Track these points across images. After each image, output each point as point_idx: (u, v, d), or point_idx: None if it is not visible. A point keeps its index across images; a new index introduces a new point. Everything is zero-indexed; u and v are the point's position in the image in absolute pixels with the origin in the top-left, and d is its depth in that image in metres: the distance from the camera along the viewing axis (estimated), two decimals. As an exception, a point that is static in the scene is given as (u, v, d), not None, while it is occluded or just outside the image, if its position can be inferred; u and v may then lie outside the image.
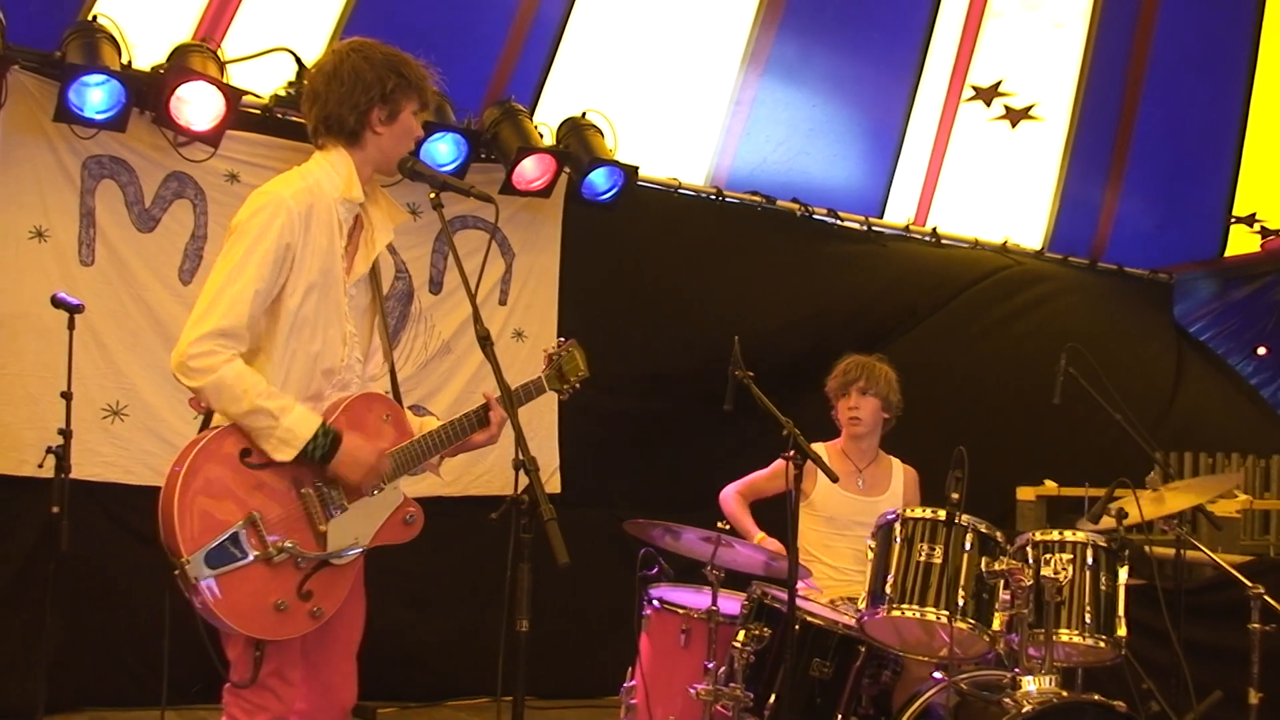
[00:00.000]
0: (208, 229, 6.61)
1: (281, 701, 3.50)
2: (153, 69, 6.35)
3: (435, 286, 7.27)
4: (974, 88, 9.27)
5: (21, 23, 6.12)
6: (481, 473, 7.03)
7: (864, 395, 5.63)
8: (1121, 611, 4.43)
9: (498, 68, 7.72)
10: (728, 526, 4.76)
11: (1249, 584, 4.84)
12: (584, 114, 7.52)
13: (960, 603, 4.28)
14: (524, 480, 3.18)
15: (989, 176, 9.58)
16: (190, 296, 6.40)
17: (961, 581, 4.30)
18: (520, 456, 3.25)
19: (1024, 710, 4.06)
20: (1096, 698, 4.21)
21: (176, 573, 3.31)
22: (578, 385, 4.16)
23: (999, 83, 9.29)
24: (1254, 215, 10.10)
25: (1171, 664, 4.87)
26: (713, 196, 8.37)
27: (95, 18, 6.31)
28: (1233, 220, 10.20)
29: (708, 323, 7.78)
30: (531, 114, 7.56)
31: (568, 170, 7.41)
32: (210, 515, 3.33)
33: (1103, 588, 4.43)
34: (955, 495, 4.29)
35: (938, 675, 4.48)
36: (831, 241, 8.78)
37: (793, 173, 8.78)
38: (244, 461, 3.41)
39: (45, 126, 6.20)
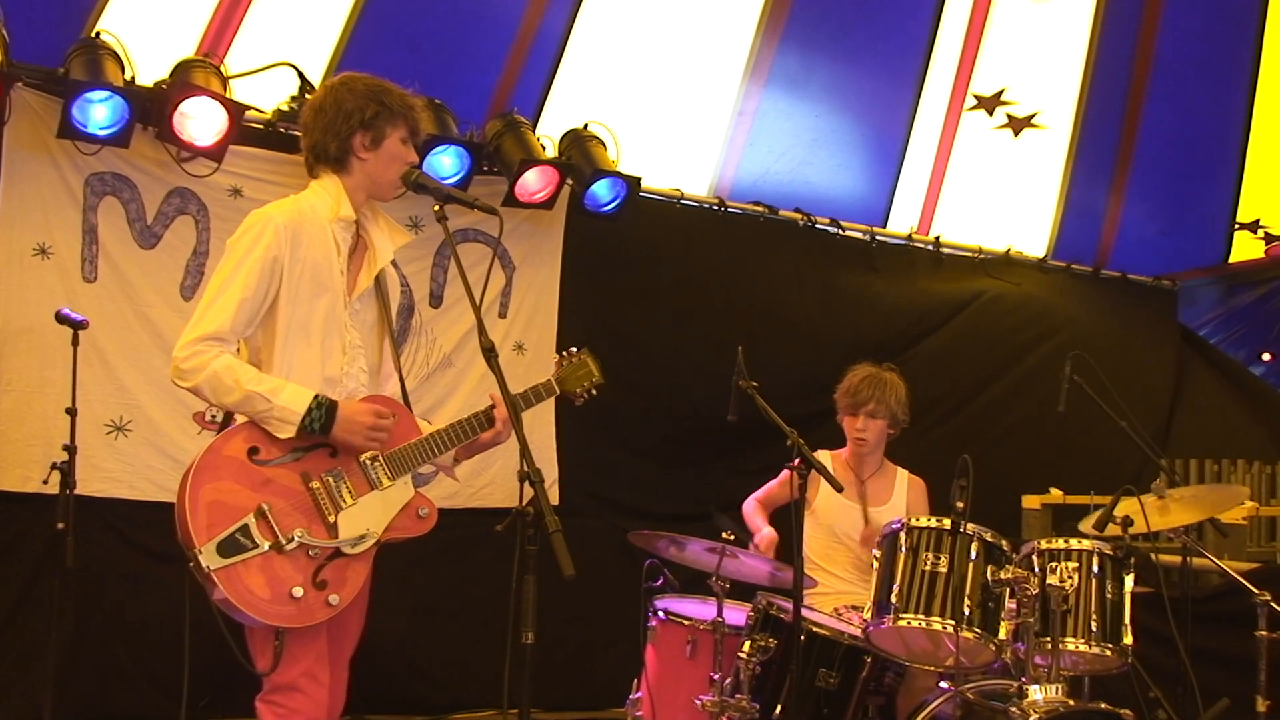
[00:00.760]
0: (210, 245, 6.61)
1: (313, 702, 3.62)
2: (156, 85, 6.36)
3: (436, 300, 7.27)
4: (976, 96, 9.27)
5: (25, 39, 6.13)
6: (484, 485, 7.02)
7: (872, 418, 5.64)
8: (1128, 619, 4.43)
9: (500, 80, 7.73)
10: (733, 538, 4.76)
11: (1255, 591, 4.83)
12: (586, 125, 7.52)
13: (966, 612, 4.27)
14: (529, 492, 3.21)
15: (992, 185, 9.57)
16: (191, 312, 6.41)
17: (967, 590, 4.30)
18: (525, 468, 3.28)
19: (1031, 719, 4.05)
20: (1103, 706, 4.21)
21: (191, 564, 3.47)
22: (593, 392, 4.25)
23: (1001, 91, 9.30)
24: (1258, 221, 10.10)
25: (1178, 672, 4.86)
26: (716, 207, 8.37)
27: (99, 34, 6.32)
28: (1237, 226, 10.20)
29: (710, 333, 7.78)
30: (534, 126, 7.57)
31: (570, 182, 7.41)
32: (221, 508, 3.51)
33: (1109, 596, 4.43)
34: (960, 504, 4.28)
35: (944, 684, 4.48)
36: (835, 251, 8.78)
37: (796, 183, 8.78)
38: (252, 459, 3.60)
39: (49, 143, 6.21)
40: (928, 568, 4.39)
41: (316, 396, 3.64)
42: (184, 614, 3.58)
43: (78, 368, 5.47)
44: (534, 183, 7.21)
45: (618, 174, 7.37)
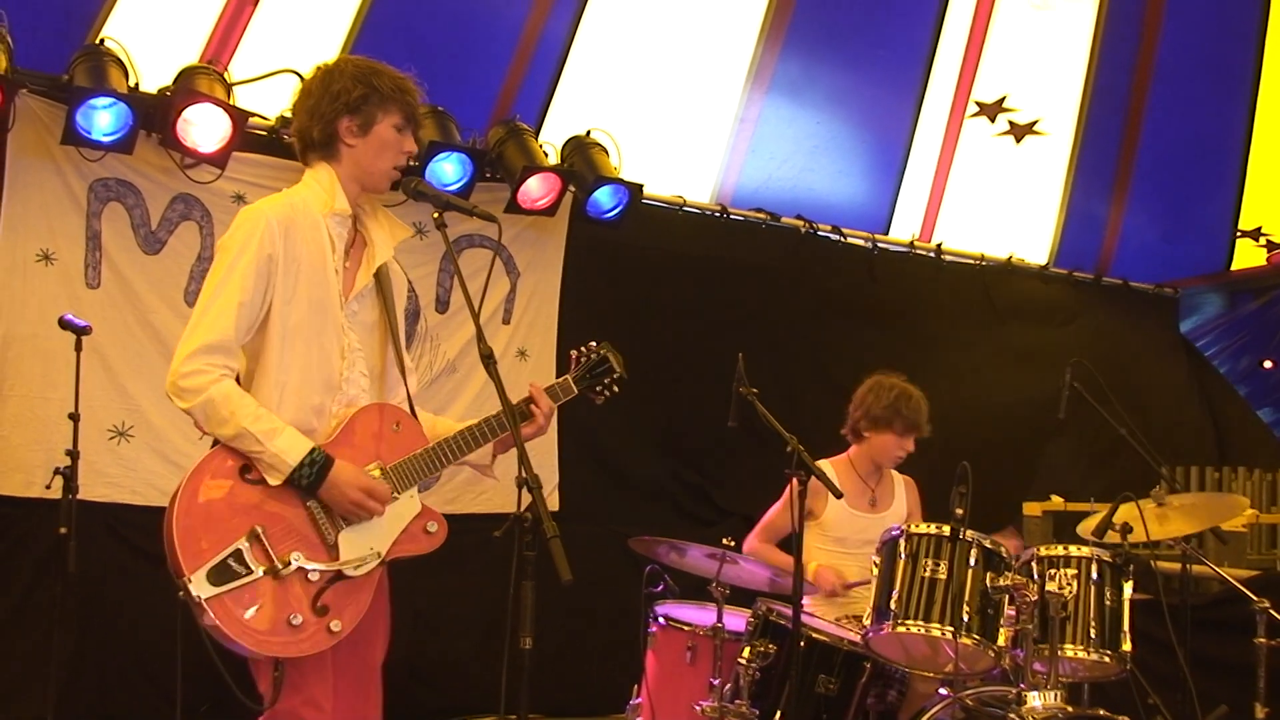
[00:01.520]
0: (214, 251, 6.62)
1: None
2: (160, 91, 6.39)
3: (441, 305, 7.29)
4: (978, 103, 9.29)
5: (29, 46, 6.15)
6: (483, 490, 7.04)
7: (916, 436, 5.65)
8: (1127, 626, 4.44)
9: (503, 87, 7.75)
10: (733, 543, 4.76)
11: (1255, 598, 4.84)
12: (588, 132, 7.54)
13: (965, 618, 4.28)
14: (527, 498, 3.13)
15: (994, 192, 9.59)
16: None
17: (966, 597, 4.31)
18: (523, 474, 3.19)
19: (1029, 726, 4.06)
20: (1102, 713, 4.22)
21: (181, 594, 3.22)
22: (615, 389, 4.07)
23: (1003, 98, 9.31)
24: (1260, 229, 10.11)
25: (1177, 678, 4.86)
26: (717, 214, 8.39)
27: (103, 41, 6.35)
28: (1239, 234, 10.21)
29: (711, 339, 7.79)
30: (536, 133, 7.59)
31: (572, 189, 7.43)
32: (211, 532, 3.26)
33: (1108, 602, 4.43)
34: (960, 511, 4.29)
35: (943, 691, 4.48)
36: (836, 258, 8.79)
37: (797, 190, 8.80)
38: (244, 478, 3.36)
39: (52, 149, 6.23)
40: (927, 574, 4.40)
41: (313, 451, 3.37)
42: (171, 627, 3.39)
43: (80, 373, 5.47)
44: (536, 190, 7.23)
45: (620, 181, 7.39)
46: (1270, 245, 10.14)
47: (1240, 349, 10.40)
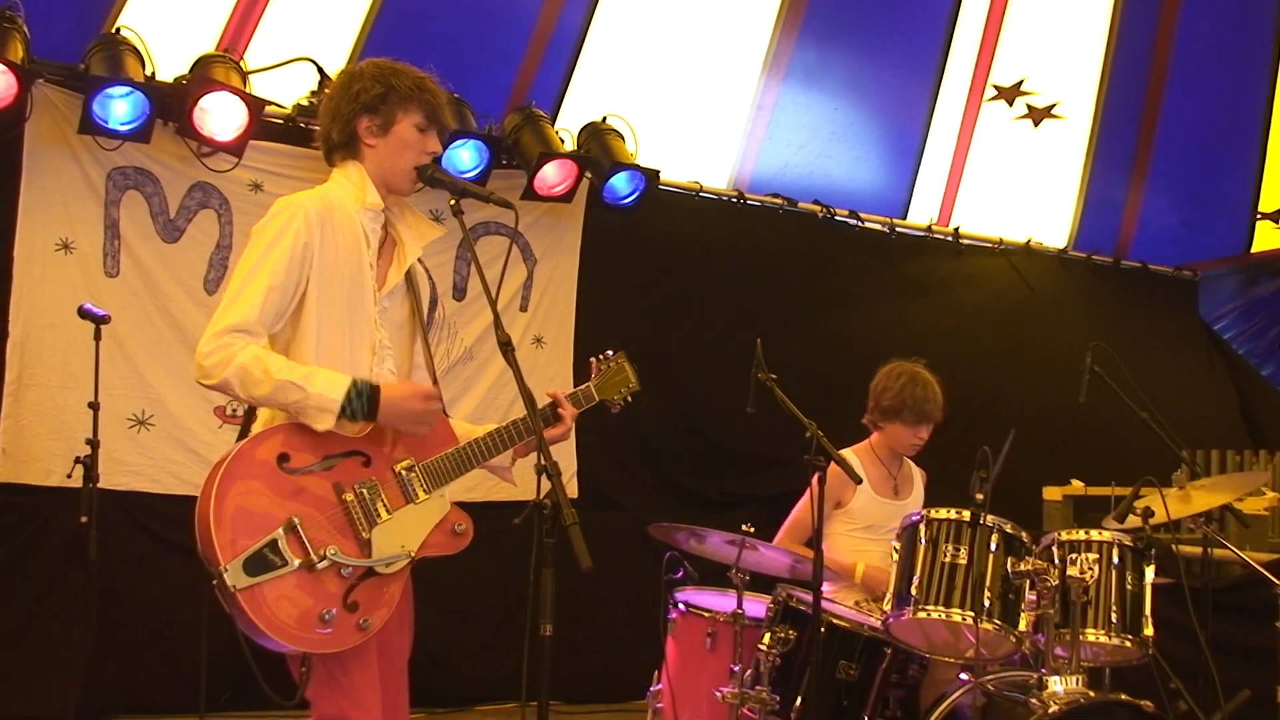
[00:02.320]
0: (233, 239, 6.65)
1: None
2: (176, 80, 6.39)
3: (459, 293, 7.29)
4: (996, 87, 9.25)
5: (46, 36, 6.17)
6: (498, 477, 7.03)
7: (931, 426, 5.60)
8: (1148, 611, 4.41)
9: (519, 74, 7.75)
10: (752, 529, 4.75)
11: (1277, 582, 4.81)
12: (605, 119, 7.53)
13: (986, 603, 4.26)
14: (546, 485, 3.12)
15: (1012, 176, 9.56)
16: (215, 306, 6.43)
17: (987, 582, 4.29)
18: (542, 461, 3.18)
19: (1051, 710, 4.04)
20: (1124, 697, 4.19)
21: (215, 583, 3.15)
22: (629, 399, 4.04)
23: (1021, 82, 9.27)
24: (1279, 212, 10.06)
25: (1199, 663, 4.85)
26: (735, 199, 8.38)
27: (119, 30, 6.36)
28: (1259, 216, 10.16)
29: (729, 325, 7.78)
30: (553, 120, 7.58)
31: (589, 175, 7.42)
32: (248, 522, 3.20)
33: (1129, 587, 4.40)
34: (980, 496, 4.27)
35: (964, 676, 4.47)
36: (854, 243, 8.77)
37: (815, 176, 8.78)
38: (282, 467, 3.29)
39: (70, 139, 6.25)
40: (948, 559, 4.38)
41: (355, 381, 3.32)
42: (191, 615, 3.33)
43: (100, 362, 5.48)
44: (553, 176, 7.22)
45: (636, 167, 7.38)
46: (1290, 227, 10.10)
47: (1260, 331, 10.35)
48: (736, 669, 4.62)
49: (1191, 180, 9.96)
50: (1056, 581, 4.26)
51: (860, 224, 8.78)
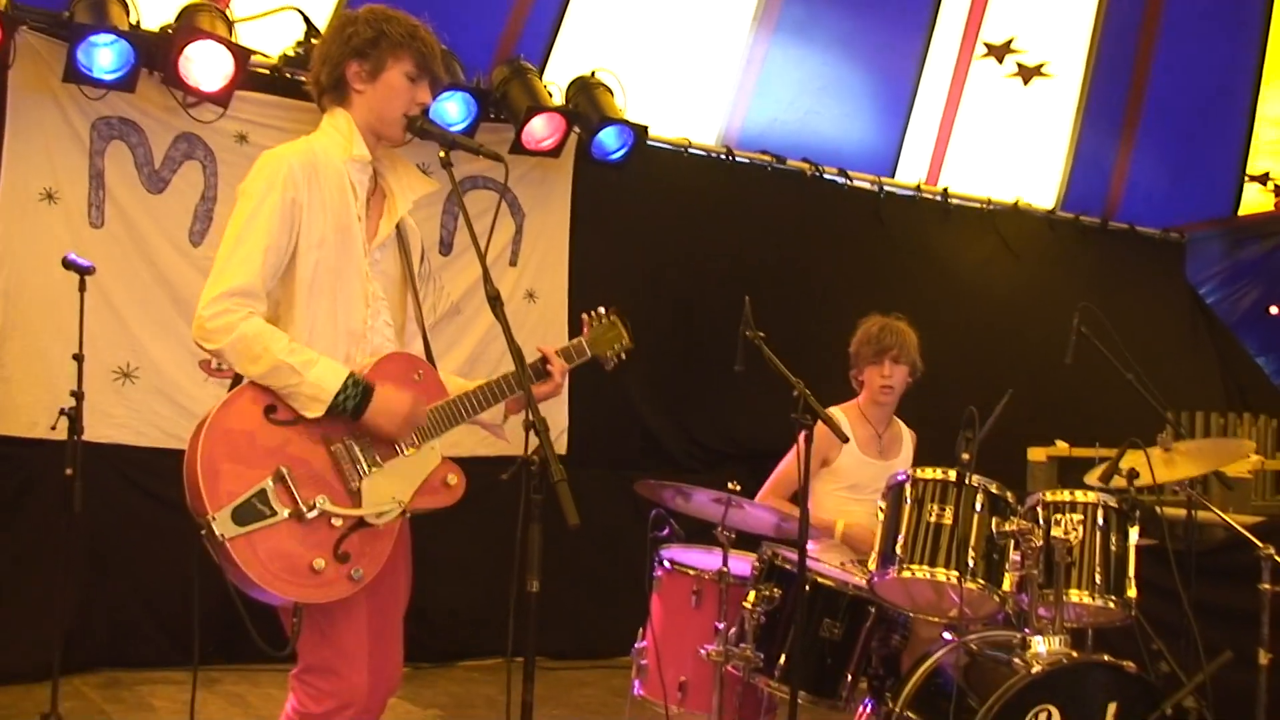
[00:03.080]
0: (218, 190, 6.60)
1: (348, 686, 3.36)
2: (161, 29, 6.33)
3: (445, 248, 7.26)
4: (986, 45, 9.22)
5: (29, -17, 6.10)
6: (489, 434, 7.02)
7: (896, 364, 5.56)
8: (1132, 572, 4.42)
9: (507, 26, 7.68)
10: (739, 487, 4.75)
11: (1260, 544, 4.82)
12: (594, 73, 7.49)
13: (970, 563, 4.26)
14: (534, 441, 3.10)
15: (1001, 135, 9.54)
16: (200, 258, 6.41)
17: (972, 542, 4.29)
18: (531, 417, 3.16)
19: (1034, 670, 4.06)
20: (1106, 658, 4.22)
21: (204, 533, 3.14)
22: (623, 356, 4.04)
23: (1011, 40, 9.24)
24: (1268, 174, 10.06)
25: (1181, 624, 4.86)
26: (723, 156, 8.35)
27: (104, -23, 6.29)
28: (1247, 179, 10.16)
29: (717, 282, 7.76)
30: (541, 73, 7.53)
31: (577, 130, 7.38)
32: (236, 471, 3.18)
33: (1113, 548, 4.41)
34: (966, 456, 4.27)
35: (947, 635, 4.49)
36: (842, 202, 8.75)
37: (804, 132, 8.75)
38: (269, 418, 3.27)
39: (54, 87, 6.19)
40: (933, 519, 4.38)
41: (352, 375, 3.30)
42: (193, 565, 3.34)
43: (84, 313, 5.44)
44: (541, 130, 7.19)
45: (625, 122, 7.35)
46: (1278, 190, 10.09)
47: (1245, 294, 10.37)
48: (721, 627, 4.63)
49: (1180, 142, 9.95)
50: (1041, 542, 4.27)
51: (849, 183, 8.76)
